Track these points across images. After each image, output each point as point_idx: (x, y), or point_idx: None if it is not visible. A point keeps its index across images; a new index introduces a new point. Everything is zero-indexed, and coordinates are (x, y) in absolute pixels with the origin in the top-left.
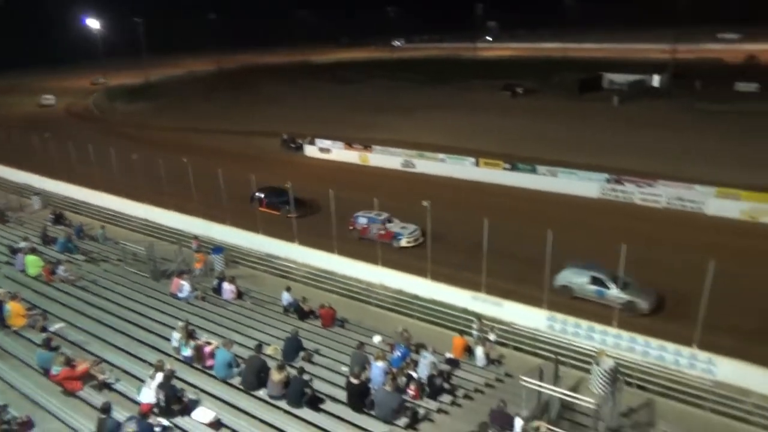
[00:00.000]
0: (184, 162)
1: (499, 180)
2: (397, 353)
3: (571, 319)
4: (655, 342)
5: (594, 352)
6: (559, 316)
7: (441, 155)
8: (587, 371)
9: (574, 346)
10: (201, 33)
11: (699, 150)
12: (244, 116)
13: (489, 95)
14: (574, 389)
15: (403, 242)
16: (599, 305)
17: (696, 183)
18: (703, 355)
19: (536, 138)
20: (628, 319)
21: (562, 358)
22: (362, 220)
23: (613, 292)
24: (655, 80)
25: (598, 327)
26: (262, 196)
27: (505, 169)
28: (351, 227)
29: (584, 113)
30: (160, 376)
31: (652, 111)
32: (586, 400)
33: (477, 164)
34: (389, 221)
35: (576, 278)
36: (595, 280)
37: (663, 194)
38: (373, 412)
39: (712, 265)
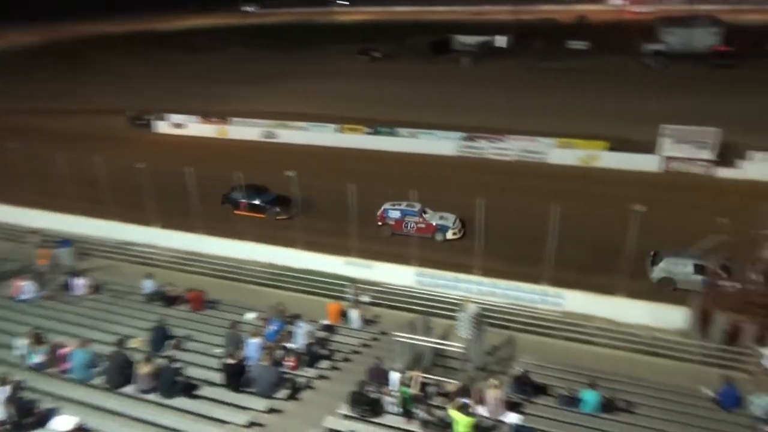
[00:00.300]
0: (12, 147)
1: (363, 145)
2: (272, 327)
3: (438, 273)
4: (512, 284)
5: (460, 300)
6: (427, 270)
7: (303, 124)
8: (456, 319)
9: (443, 297)
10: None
11: (541, 105)
12: (84, 93)
13: (347, 60)
14: (445, 337)
15: (450, 234)
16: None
17: (539, 135)
18: (553, 290)
19: (395, 101)
20: (487, 264)
21: (433, 310)
22: (394, 214)
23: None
24: (501, 41)
25: (463, 276)
26: (239, 197)
27: (367, 133)
28: (380, 223)
29: (438, 75)
30: (6, 390)
31: (499, 70)
32: (455, 346)
33: (340, 131)
34: (424, 212)
35: (677, 269)
36: (700, 269)
37: (512, 148)
38: (252, 390)
39: (557, 209)
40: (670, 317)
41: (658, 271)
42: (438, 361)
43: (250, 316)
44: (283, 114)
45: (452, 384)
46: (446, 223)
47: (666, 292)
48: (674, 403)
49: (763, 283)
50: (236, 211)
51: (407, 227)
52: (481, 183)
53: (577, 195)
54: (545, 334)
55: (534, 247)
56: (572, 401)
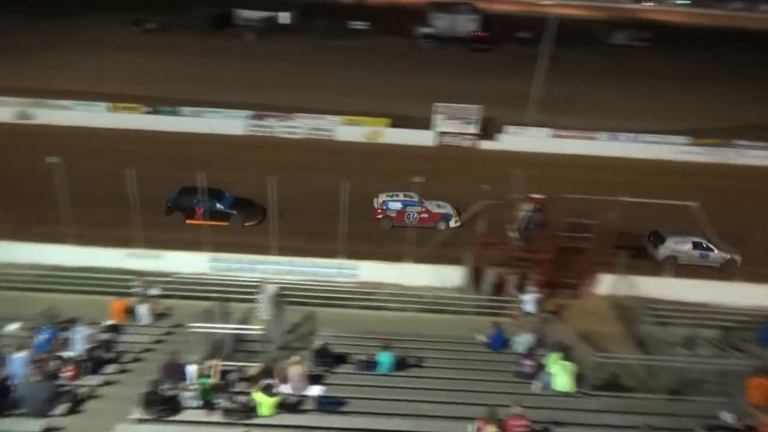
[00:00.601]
0: None
1: (140, 125)
2: (43, 336)
3: (234, 256)
4: (309, 261)
5: (258, 282)
6: (222, 255)
7: (67, 102)
8: (255, 301)
9: (240, 281)
10: None
11: (326, 83)
12: None
13: (116, 31)
14: (245, 321)
15: (452, 222)
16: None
17: (326, 113)
18: (349, 262)
19: (175, 77)
20: (284, 244)
21: (231, 295)
22: (395, 205)
23: (717, 253)
24: (284, 17)
25: (259, 258)
26: (195, 202)
27: (145, 113)
28: (380, 216)
29: (222, 50)
30: None
31: (285, 47)
32: (255, 329)
33: (113, 110)
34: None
35: (680, 247)
36: (698, 245)
37: (301, 126)
38: (21, 411)
39: (346, 185)
40: (449, 277)
41: (664, 251)
42: (239, 346)
43: (11, 327)
44: (41, 91)
45: (254, 367)
46: (448, 211)
47: (443, 254)
48: (455, 352)
49: (519, 239)
50: (189, 220)
51: (409, 218)
52: (271, 162)
53: (365, 170)
54: (343, 306)
55: (328, 222)
56: (370, 365)
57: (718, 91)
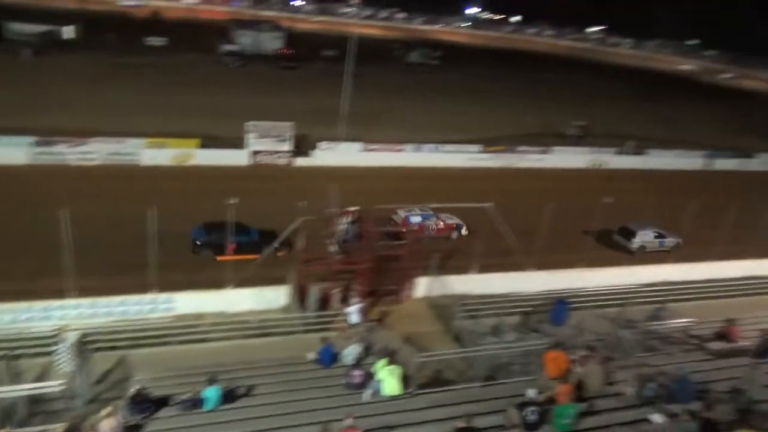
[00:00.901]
0: None
1: None
2: None
3: (21, 305)
4: (115, 299)
5: (55, 331)
6: (4, 305)
7: None
8: (53, 353)
9: (32, 333)
10: None
11: (121, 103)
12: None
13: None
14: (42, 377)
15: (464, 231)
16: None
17: (127, 136)
18: (163, 296)
19: None
20: (85, 285)
21: (20, 351)
22: (416, 219)
23: (669, 239)
24: (68, 32)
25: (55, 303)
26: (226, 238)
27: None
28: (403, 230)
29: None
30: None
31: (69, 64)
32: (54, 384)
33: None
34: None
35: (647, 238)
36: (658, 235)
37: (97, 151)
38: None
39: (154, 211)
40: (274, 298)
41: (636, 243)
42: (36, 408)
43: None
44: None
45: (57, 428)
46: (458, 221)
47: (266, 275)
48: (285, 374)
49: (339, 252)
50: (220, 257)
51: (428, 230)
52: (64, 192)
53: (175, 194)
54: (159, 344)
55: (133, 254)
56: (195, 403)
57: (501, 104)
